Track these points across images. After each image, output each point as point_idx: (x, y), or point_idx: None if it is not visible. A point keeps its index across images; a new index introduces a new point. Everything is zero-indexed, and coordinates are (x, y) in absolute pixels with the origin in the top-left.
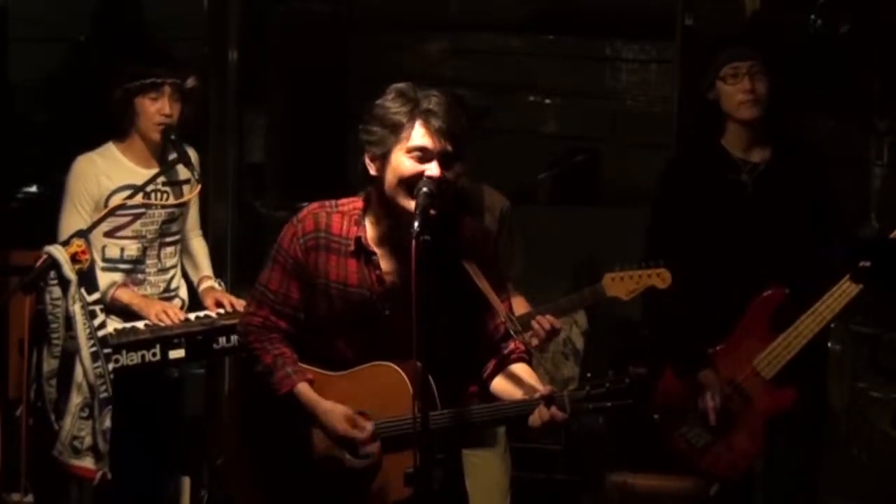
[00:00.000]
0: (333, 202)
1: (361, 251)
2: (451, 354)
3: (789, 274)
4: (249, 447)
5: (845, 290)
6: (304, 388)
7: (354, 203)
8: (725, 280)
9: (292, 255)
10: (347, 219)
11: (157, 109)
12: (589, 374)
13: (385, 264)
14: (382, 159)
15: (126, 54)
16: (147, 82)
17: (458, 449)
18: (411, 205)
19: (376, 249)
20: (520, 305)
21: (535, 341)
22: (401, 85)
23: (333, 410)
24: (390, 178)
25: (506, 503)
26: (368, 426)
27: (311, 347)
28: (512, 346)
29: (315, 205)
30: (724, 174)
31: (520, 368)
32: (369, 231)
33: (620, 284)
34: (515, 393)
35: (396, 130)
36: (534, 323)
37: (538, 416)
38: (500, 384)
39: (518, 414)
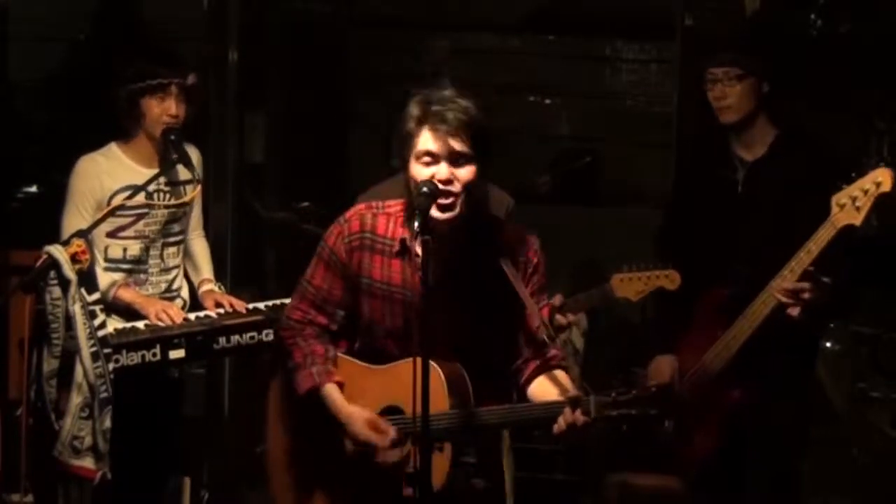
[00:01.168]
0: (381, 203)
1: (405, 252)
2: (490, 356)
3: (770, 271)
4: (289, 436)
5: (758, 310)
6: (330, 390)
7: (402, 204)
8: (716, 276)
9: (337, 253)
10: (393, 220)
11: (163, 110)
12: (618, 378)
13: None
14: (405, 167)
15: (130, 53)
16: (154, 83)
17: (494, 450)
18: (427, 210)
19: (420, 251)
20: None
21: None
22: (425, 91)
23: (355, 416)
24: (410, 184)
25: (509, 502)
26: (390, 430)
27: (362, 344)
28: (553, 352)
29: (362, 205)
30: (722, 172)
31: (560, 375)
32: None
33: (629, 285)
34: (555, 396)
35: (410, 138)
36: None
37: (562, 420)
38: (539, 388)
39: (545, 416)
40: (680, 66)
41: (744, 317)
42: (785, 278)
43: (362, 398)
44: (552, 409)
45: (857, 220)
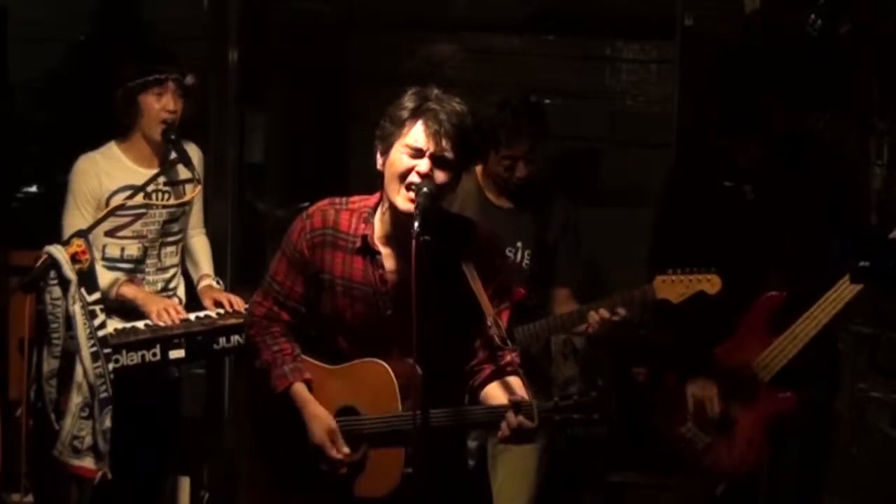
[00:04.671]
0: (344, 199)
1: (367, 249)
2: (446, 357)
3: (792, 276)
4: (258, 430)
5: (840, 294)
6: (298, 388)
7: (365, 201)
8: (730, 284)
9: (299, 249)
10: (356, 216)
11: (161, 106)
12: (557, 395)
13: (389, 263)
14: (385, 154)
15: (127, 52)
16: (150, 79)
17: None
18: (399, 201)
19: (382, 248)
20: (568, 303)
21: (590, 329)
22: (419, 88)
23: (319, 419)
24: (387, 172)
25: (529, 493)
26: (344, 450)
27: (314, 340)
28: (509, 357)
29: (325, 201)
30: (725, 180)
31: (514, 381)
32: (377, 229)
33: (671, 287)
34: (505, 401)
35: (399, 126)
36: (591, 314)
37: (505, 425)
38: (491, 392)
39: (488, 419)
40: (680, 66)
41: (808, 317)
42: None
43: (319, 398)
44: (495, 413)
45: None
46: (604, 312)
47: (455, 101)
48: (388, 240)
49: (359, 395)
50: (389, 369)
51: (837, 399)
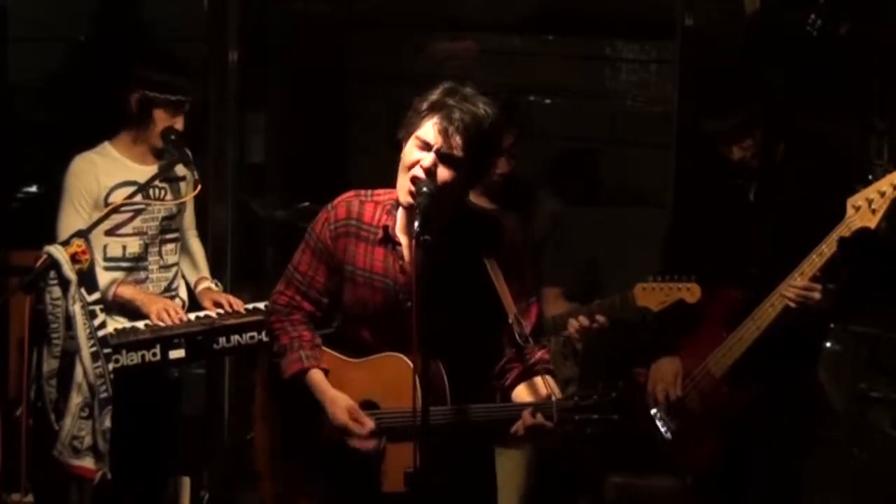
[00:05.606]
0: (369, 191)
1: (388, 240)
2: (471, 353)
3: (780, 275)
4: (278, 422)
5: (775, 302)
6: (315, 375)
7: (390, 194)
8: (726, 281)
9: (322, 240)
10: (380, 208)
11: (171, 123)
12: (576, 395)
13: (409, 255)
14: (403, 144)
15: (151, 60)
16: (173, 98)
17: (482, 442)
18: (401, 193)
19: (402, 240)
20: (557, 303)
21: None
22: (453, 83)
23: (338, 401)
24: (402, 160)
25: (519, 492)
26: (368, 423)
27: (337, 332)
28: (539, 355)
29: (350, 193)
30: (729, 178)
31: (539, 382)
32: (399, 221)
33: (651, 295)
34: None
35: (418, 117)
36: (571, 321)
37: (520, 424)
38: (520, 393)
39: (505, 417)
40: (680, 66)
41: (751, 319)
42: (795, 281)
43: (339, 391)
44: (513, 411)
45: (873, 222)
46: (583, 320)
47: (481, 101)
48: (409, 232)
49: (379, 389)
50: (410, 364)
51: (818, 396)
